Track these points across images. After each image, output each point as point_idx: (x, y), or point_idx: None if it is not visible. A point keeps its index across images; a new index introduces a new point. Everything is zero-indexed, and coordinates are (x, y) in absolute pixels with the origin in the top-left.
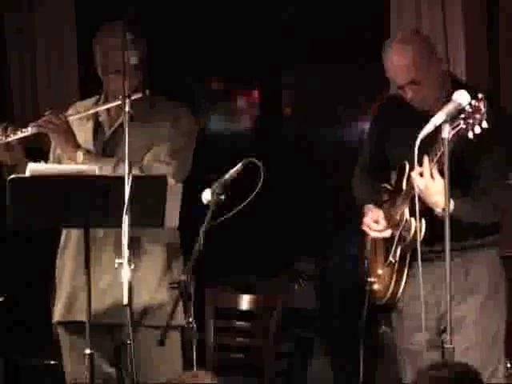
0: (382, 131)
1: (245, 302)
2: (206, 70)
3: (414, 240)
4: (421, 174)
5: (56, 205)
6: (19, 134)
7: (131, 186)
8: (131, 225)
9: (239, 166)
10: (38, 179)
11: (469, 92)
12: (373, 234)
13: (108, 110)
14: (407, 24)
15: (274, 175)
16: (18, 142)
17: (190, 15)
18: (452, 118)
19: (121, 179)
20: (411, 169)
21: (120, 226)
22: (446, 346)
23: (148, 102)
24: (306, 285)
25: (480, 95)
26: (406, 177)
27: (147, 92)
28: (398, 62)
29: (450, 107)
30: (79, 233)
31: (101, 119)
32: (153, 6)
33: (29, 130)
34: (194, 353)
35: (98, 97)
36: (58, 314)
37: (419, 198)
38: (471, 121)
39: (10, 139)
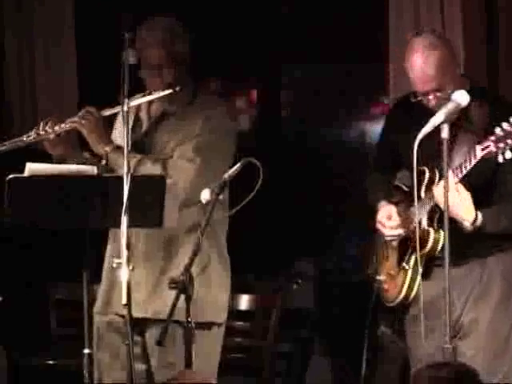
0: (395, 130)
1: (244, 301)
2: (204, 71)
3: (431, 250)
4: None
5: (54, 205)
6: (57, 130)
7: (130, 186)
8: (130, 225)
9: (238, 165)
10: (37, 179)
11: (486, 96)
12: (385, 232)
13: (149, 105)
14: (406, 25)
15: (272, 175)
16: (57, 137)
17: (188, 16)
18: (477, 135)
19: (120, 179)
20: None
21: (119, 226)
22: (445, 346)
23: (186, 98)
24: (305, 285)
25: None
26: (425, 184)
27: (177, 88)
28: (424, 70)
29: (449, 107)
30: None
31: (141, 115)
32: (153, 6)
33: (64, 126)
34: (193, 352)
35: (144, 93)
36: (97, 305)
37: (439, 209)
38: (502, 145)
39: (47, 135)
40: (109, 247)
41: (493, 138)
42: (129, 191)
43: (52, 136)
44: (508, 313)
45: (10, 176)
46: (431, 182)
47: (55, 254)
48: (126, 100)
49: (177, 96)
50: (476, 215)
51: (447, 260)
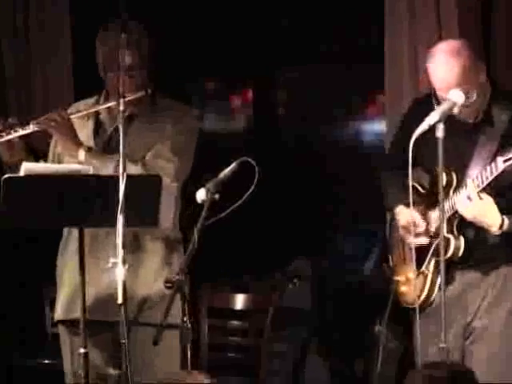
0: (412, 130)
1: (239, 301)
2: (201, 71)
3: (452, 256)
4: (468, 198)
5: (50, 204)
6: (20, 132)
7: (125, 186)
8: (126, 224)
9: (234, 165)
10: (33, 179)
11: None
12: (411, 239)
13: (109, 108)
14: (402, 27)
15: (268, 174)
16: (19, 140)
17: (185, 19)
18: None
19: (115, 179)
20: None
21: (115, 225)
22: (441, 345)
23: (151, 100)
24: (301, 285)
25: None
26: (442, 187)
27: (149, 91)
28: (447, 77)
29: (444, 107)
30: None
31: (101, 118)
32: (149, 7)
33: (30, 128)
34: (189, 352)
35: (97, 96)
36: (59, 312)
37: (459, 215)
38: None
39: (10, 137)
40: (67, 249)
41: None
42: (125, 191)
43: (16, 139)
44: None
45: (6, 176)
46: (449, 185)
47: (50, 254)
48: (122, 100)
49: (141, 98)
50: (502, 219)
51: (443, 276)
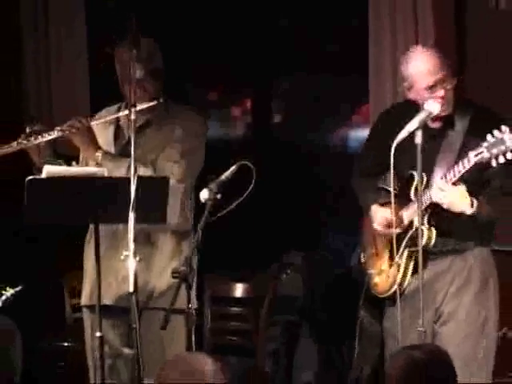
0: (384, 139)
1: (239, 290)
2: (203, 81)
3: (424, 246)
4: (440, 189)
5: (68, 203)
6: (46, 137)
7: (137, 186)
8: (136, 221)
9: (233, 167)
10: (53, 180)
11: (469, 107)
12: (385, 231)
13: (127, 116)
14: (384, 42)
15: (266, 176)
16: (45, 145)
17: (188, 33)
18: (469, 143)
19: (127, 180)
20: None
21: (127, 221)
22: (419, 328)
23: (164, 107)
24: (295, 275)
25: (503, 127)
26: (414, 188)
27: (161, 99)
28: (427, 62)
29: (422, 115)
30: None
31: (121, 124)
32: (153, 21)
33: (54, 134)
34: (193, 336)
35: (120, 104)
36: (83, 298)
37: (430, 209)
38: (495, 151)
39: (37, 141)
40: (91, 241)
41: (485, 144)
42: (135, 191)
43: (42, 143)
44: (484, 302)
45: (30, 177)
46: (420, 184)
47: (69, 247)
48: (133, 109)
49: (155, 106)
50: (472, 200)
51: (421, 262)
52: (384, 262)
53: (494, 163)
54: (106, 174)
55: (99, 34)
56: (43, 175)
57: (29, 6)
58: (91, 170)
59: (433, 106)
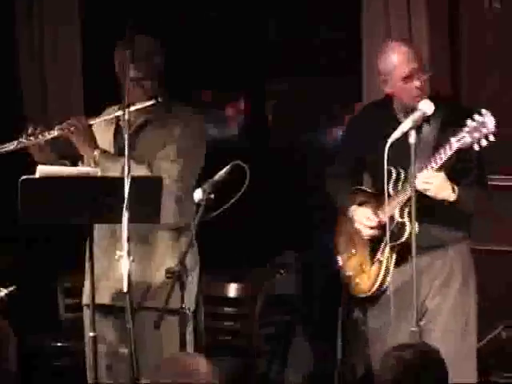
0: (357, 140)
1: (232, 289)
2: (198, 84)
3: (407, 240)
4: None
5: (62, 203)
6: (46, 136)
7: (130, 186)
8: (130, 220)
9: (227, 168)
10: (46, 180)
11: (440, 101)
12: (366, 232)
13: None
14: (378, 42)
15: (260, 176)
16: (46, 143)
17: (185, 36)
18: (455, 131)
19: (121, 180)
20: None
21: (120, 221)
22: (412, 329)
23: (164, 107)
24: (288, 275)
25: (483, 111)
26: (392, 182)
27: (159, 99)
28: (400, 53)
29: (416, 115)
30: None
31: (121, 124)
32: (148, 22)
33: (54, 133)
34: (188, 336)
35: (120, 104)
36: (85, 297)
37: (410, 203)
38: (477, 135)
39: (38, 140)
40: (99, 243)
41: (467, 129)
42: (129, 190)
43: (42, 142)
44: (467, 297)
45: (23, 177)
46: (399, 180)
47: (63, 247)
48: (127, 110)
49: (154, 105)
50: (453, 187)
51: (414, 250)
52: (364, 262)
53: (476, 147)
54: (99, 174)
55: (94, 33)
56: (36, 175)
57: (23, 6)
58: (84, 169)
59: (427, 106)
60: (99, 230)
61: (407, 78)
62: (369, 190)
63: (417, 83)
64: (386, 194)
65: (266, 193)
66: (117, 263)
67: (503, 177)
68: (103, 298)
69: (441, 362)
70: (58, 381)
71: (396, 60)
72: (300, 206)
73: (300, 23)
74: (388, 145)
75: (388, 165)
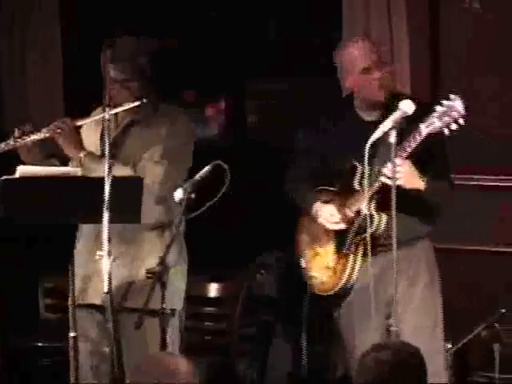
0: (318, 138)
1: (213, 289)
2: (180, 83)
3: (375, 231)
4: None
5: (43, 202)
6: (33, 137)
7: (110, 186)
8: (111, 220)
9: (207, 168)
10: (27, 180)
11: (401, 99)
12: (332, 227)
13: (115, 116)
14: None
15: (240, 176)
16: (33, 145)
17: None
18: (423, 118)
19: (101, 180)
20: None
21: (101, 221)
22: (392, 328)
23: (152, 106)
24: (268, 275)
25: (452, 95)
26: (358, 176)
27: (144, 100)
28: (359, 47)
29: (396, 115)
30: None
31: (104, 124)
32: (132, 24)
33: (41, 135)
34: (167, 336)
35: (108, 104)
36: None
37: (377, 196)
38: (447, 119)
39: (24, 141)
40: (86, 244)
41: (436, 114)
42: (109, 191)
43: (29, 143)
44: (435, 292)
45: (3, 177)
46: (363, 175)
47: (44, 247)
48: (108, 110)
49: (142, 106)
50: (420, 176)
51: (395, 241)
52: (330, 259)
53: (446, 132)
54: (79, 174)
55: (74, 34)
56: (16, 175)
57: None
58: (65, 169)
59: (407, 106)
60: (84, 231)
61: (367, 70)
62: (331, 189)
63: (377, 74)
64: (367, 195)
65: (248, 192)
66: (101, 264)
67: (503, 177)
68: (92, 298)
69: (420, 360)
70: (38, 382)
71: (356, 53)
72: (281, 206)
73: (300, 23)
74: (368, 145)
75: (357, 163)
